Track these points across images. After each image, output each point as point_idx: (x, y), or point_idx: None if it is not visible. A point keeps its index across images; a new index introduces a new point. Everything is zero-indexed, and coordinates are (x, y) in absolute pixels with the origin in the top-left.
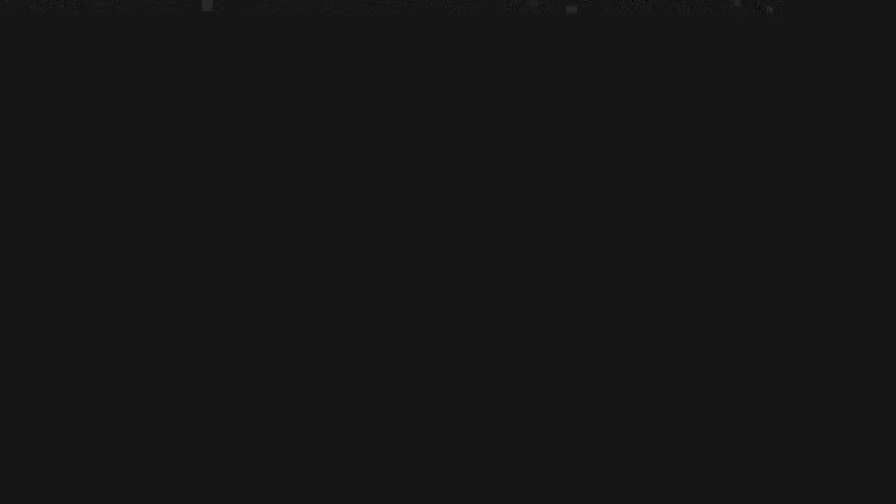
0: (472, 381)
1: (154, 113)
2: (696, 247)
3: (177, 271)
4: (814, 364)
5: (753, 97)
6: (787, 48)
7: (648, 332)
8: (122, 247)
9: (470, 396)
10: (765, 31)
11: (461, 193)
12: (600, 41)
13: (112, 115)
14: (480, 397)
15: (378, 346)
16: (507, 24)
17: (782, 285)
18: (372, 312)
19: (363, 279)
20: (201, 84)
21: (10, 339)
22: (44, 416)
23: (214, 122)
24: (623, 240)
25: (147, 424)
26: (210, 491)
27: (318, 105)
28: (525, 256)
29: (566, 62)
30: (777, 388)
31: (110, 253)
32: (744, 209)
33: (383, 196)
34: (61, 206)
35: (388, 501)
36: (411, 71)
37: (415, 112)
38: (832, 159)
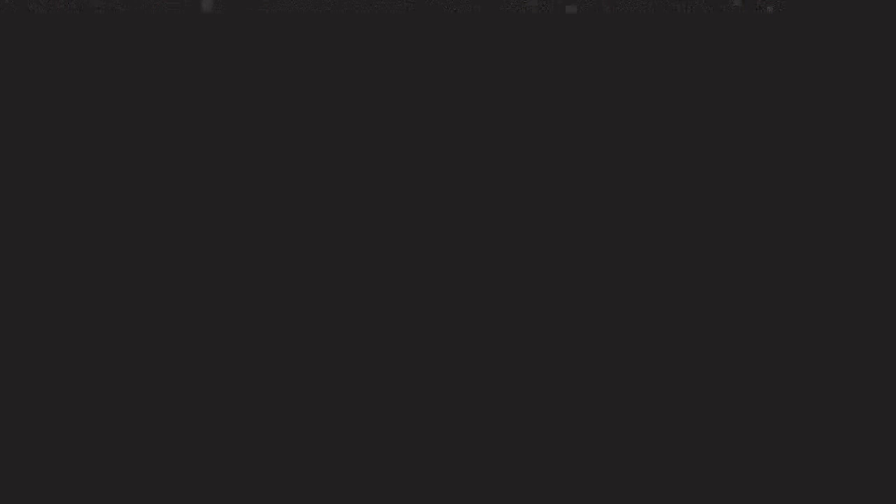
0: (468, 380)
1: (154, 113)
2: (696, 246)
3: (176, 271)
4: (811, 363)
5: (753, 97)
6: (787, 48)
7: (648, 330)
8: (121, 246)
9: (466, 396)
10: (765, 31)
11: (461, 193)
12: (600, 41)
13: (112, 115)
14: (477, 397)
15: (377, 345)
16: (507, 24)
17: (781, 285)
18: (372, 311)
19: (363, 279)
20: (201, 84)
21: (10, 339)
22: (43, 416)
23: (214, 122)
24: (623, 239)
25: (145, 424)
26: (209, 491)
27: (318, 105)
28: (526, 256)
29: (566, 62)
30: (776, 388)
31: (110, 252)
32: (744, 209)
33: (383, 196)
34: (61, 205)
35: (385, 501)
36: (411, 71)
37: (415, 112)
38: (832, 159)
